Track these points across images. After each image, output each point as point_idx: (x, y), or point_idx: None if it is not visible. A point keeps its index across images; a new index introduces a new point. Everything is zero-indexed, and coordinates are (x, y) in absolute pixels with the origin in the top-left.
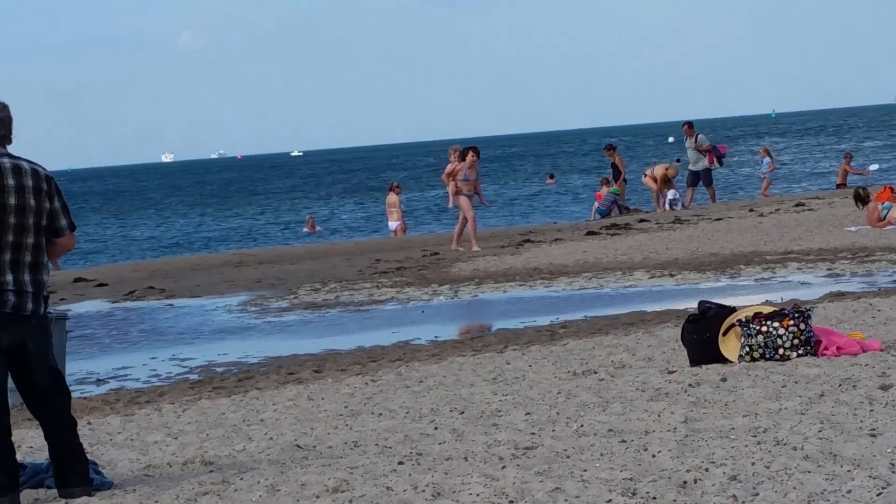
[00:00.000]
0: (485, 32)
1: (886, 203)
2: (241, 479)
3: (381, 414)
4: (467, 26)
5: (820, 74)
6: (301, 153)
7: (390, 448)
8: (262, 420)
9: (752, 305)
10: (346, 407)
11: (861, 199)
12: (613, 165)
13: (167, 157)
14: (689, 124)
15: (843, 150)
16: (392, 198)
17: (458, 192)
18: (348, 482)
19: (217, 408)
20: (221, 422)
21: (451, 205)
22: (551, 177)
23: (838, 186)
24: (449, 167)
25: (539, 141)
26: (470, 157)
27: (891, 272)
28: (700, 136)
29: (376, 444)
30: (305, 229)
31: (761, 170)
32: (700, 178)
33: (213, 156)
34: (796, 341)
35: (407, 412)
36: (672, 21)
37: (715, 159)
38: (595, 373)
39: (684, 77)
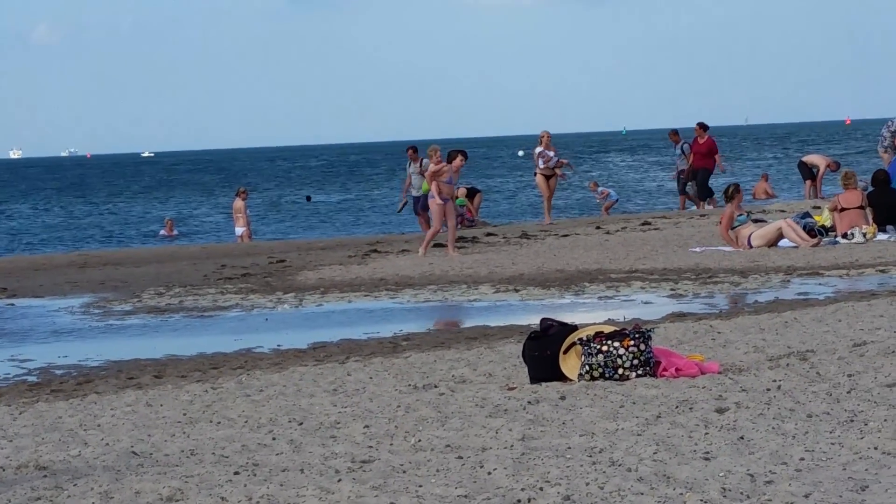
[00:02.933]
0: (346, 40)
1: (741, 216)
2: (75, 485)
3: (219, 422)
4: (330, 33)
5: (673, 95)
6: (152, 154)
7: (227, 458)
8: (99, 425)
9: (594, 324)
10: (184, 414)
11: (729, 195)
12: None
13: (15, 154)
14: (414, 148)
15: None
16: (238, 203)
17: (440, 194)
18: (183, 491)
19: (54, 411)
20: (58, 426)
21: (432, 207)
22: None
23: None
24: (433, 167)
25: (396, 149)
26: (458, 160)
27: (732, 294)
28: (425, 160)
29: (213, 453)
30: (163, 232)
31: (597, 200)
32: (422, 204)
33: (64, 154)
34: (636, 361)
35: (245, 421)
36: (532, 40)
37: None
38: (435, 387)
39: (541, 92)
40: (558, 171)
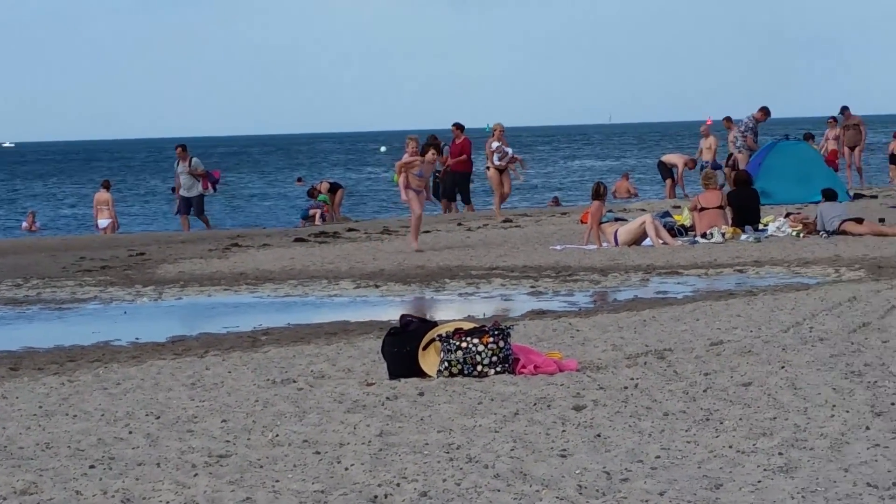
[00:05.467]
0: (221, 31)
1: (609, 213)
2: None
3: (75, 415)
4: (204, 23)
5: (535, 93)
6: (13, 144)
7: (83, 451)
8: None
9: (453, 320)
10: (40, 407)
11: (601, 193)
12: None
13: None
14: (183, 147)
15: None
16: (105, 195)
17: (408, 186)
18: (37, 484)
19: None
20: None
21: (403, 198)
22: (299, 179)
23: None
24: (406, 157)
25: (287, 141)
26: (430, 154)
27: (591, 292)
28: (194, 159)
29: (69, 447)
30: (24, 225)
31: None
32: (192, 206)
33: None
34: (495, 358)
35: (102, 415)
36: (397, 37)
37: (210, 185)
38: (294, 382)
39: (404, 88)
40: (511, 167)
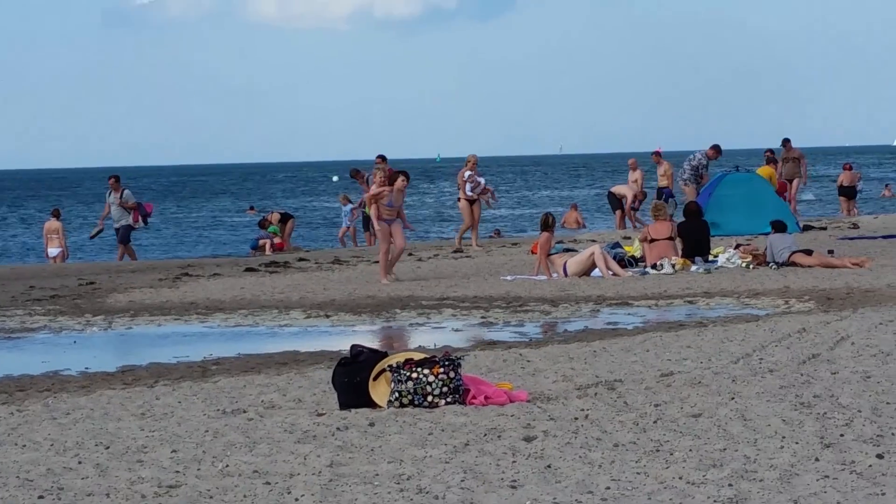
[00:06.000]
0: (180, 61)
1: (559, 244)
2: None
3: (24, 445)
4: (143, 53)
5: (486, 123)
6: None
7: (31, 481)
8: None
9: (404, 351)
10: None
11: (550, 224)
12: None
13: None
14: (116, 178)
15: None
16: (55, 224)
17: (379, 218)
18: None
19: None
20: None
21: (376, 227)
22: (251, 208)
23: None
24: (374, 189)
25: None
26: (400, 181)
27: (542, 323)
28: (126, 191)
29: (17, 477)
30: None
31: (346, 218)
32: (120, 236)
33: None
34: (445, 389)
35: (51, 445)
36: (345, 66)
37: (140, 217)
38: (244, 412)
39: (353, 118)
40: (483, 197)
